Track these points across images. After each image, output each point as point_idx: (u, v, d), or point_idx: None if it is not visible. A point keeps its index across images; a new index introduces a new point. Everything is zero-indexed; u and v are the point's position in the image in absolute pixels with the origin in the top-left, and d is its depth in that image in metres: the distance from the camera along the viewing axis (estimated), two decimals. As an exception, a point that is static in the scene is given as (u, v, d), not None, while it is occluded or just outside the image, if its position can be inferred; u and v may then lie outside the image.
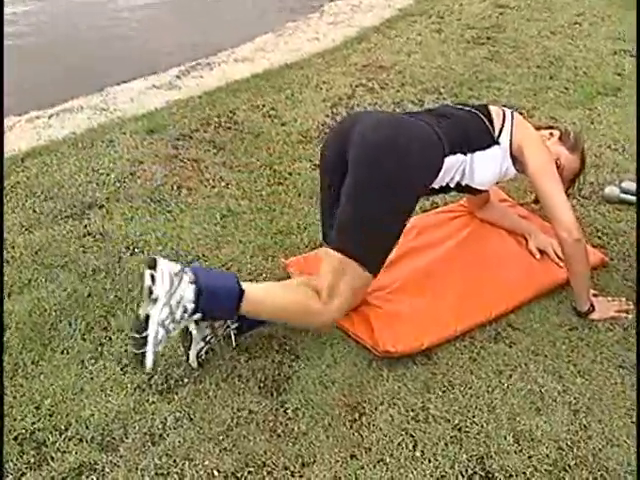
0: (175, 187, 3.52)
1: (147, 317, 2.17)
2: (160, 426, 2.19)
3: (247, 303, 2.33)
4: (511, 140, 2.64)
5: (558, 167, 2.67)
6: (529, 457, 2.11)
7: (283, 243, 3.09)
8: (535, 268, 2.88)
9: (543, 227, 3.01)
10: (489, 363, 2.45)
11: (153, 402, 2.28)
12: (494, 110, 2.69)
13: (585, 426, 2.21)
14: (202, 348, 2.39)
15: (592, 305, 2.64)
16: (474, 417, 2.24)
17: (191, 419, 2.22)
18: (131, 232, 3.15)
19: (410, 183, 2.44)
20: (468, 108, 2.70)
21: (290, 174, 3.64)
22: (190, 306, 2.23)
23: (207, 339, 2.39)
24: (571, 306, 2.69)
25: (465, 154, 2.57)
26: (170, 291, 2.20)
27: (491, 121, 2.64)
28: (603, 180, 3.60)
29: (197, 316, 2.28)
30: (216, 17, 7.08)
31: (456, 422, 2.22)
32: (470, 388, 2.35)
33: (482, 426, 2.20)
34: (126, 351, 2.46)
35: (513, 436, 2.17)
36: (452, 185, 2.65)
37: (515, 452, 2.12)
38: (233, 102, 4.55)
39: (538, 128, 2.81)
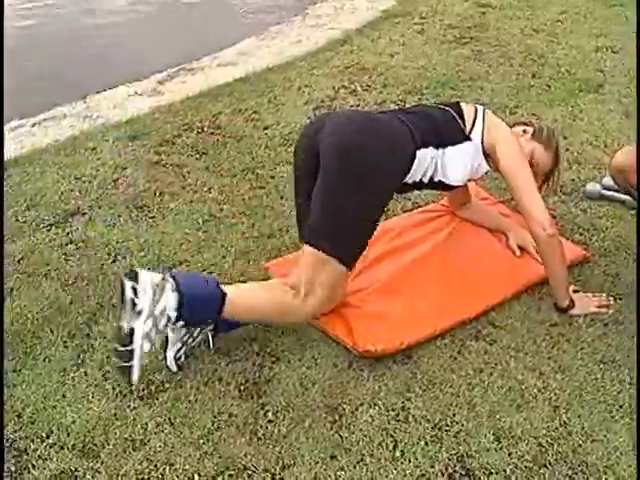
0: (157, 193, 3.52)
1: (132, 330, 2.19)
2: (141, 431, 2.20)
3: (228, 306, 2.36)
4: (483, 136, 2.66)
5: (532, 164, 2.69)
6: (509, 454, 2.12)
7: (265, 246, 3.09)
8: (515, 265, 2.89)
9: (523, 224, 3.01)
10: (469, 361, 2.46)
11: (134, 408, 2.28)
12: (465, 107, 2.70)
13: (565, 422, 2.23)
14: (180, 349, 2.39)
15: (572, 301, 2.65)
16: (454, 415, 2.25)
17: (172, 424, 2.22)
18: (113, 239, 3.15)
19: (382, 176, 2.47)
20: (439, 105, 2.71)
21: (272, 177, 3.64)
22: (173, 314, 2.26)
23: (184, 340, 2.39)
24: (552, 303, 2.70)
25: (437, 148, 2.58)
26: (153, 302, 2.22)
27: (462, 118, 2.65)
28: (585, 177, 3.61)
29: (180, 324, 2.30)
30: (199, 22, 7.07)
31: (436, 421, 2.23)
32: (450, 386, 2.36)
33: (462, 424, 2.22)
34: (108, 357, 2.46)
35: (493, 434, 2.18)
36: (425, 180, 2.65)
37: (495, 450, 2.13)
38: (215, 107, 4.54)
39: (513, 125, 2.83)
